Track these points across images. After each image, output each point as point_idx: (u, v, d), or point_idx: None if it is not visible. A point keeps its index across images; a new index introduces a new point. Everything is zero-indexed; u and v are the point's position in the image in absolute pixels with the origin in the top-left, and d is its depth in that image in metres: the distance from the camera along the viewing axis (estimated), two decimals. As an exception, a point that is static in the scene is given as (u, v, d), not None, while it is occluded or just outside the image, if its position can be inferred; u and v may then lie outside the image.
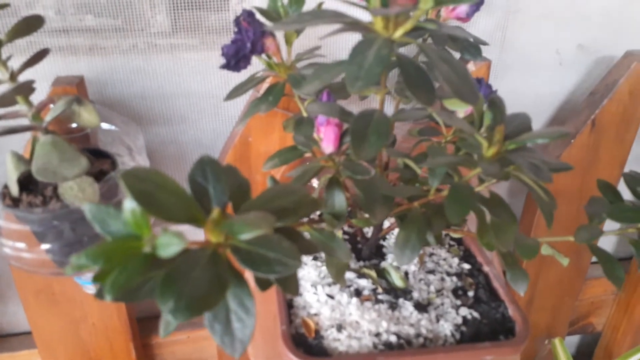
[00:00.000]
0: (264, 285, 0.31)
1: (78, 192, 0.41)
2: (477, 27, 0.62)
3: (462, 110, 0.38)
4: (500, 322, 0.46)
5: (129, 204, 0.24)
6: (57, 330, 0.62)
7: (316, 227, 0.38)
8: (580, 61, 0.67)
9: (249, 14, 0.41)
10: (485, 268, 0.51)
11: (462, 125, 0.33)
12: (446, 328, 0.45)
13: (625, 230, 0.43)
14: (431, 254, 0.53)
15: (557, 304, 0.78)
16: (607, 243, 0.86)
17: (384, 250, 0.53)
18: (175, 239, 0.24)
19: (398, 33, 0.29)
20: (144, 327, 0.71)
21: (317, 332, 0.43)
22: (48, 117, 0.41)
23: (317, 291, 0.47)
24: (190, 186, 0.29)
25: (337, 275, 0.42)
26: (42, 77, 0.53)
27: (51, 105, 0.42)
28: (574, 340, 0.96)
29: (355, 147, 0.31)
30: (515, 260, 0.43)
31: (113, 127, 0.49)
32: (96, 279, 0.24)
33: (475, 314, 0.46)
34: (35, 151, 0.40)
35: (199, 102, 0.60)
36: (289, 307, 0.46)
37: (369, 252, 0.51)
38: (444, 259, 0.52)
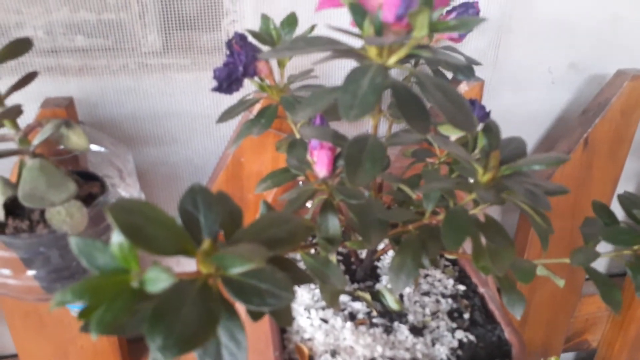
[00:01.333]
0: (256, 316, 0.30)
1: (66, 217, 0.40)
2: (470, 46, 0.62)
3: (455, 134, 0.37)
4: (497, 345, 0.45)
5: (117, 238, 0.23)
6: (44, 353, 0.60)
7: (309, 253, 0.37)
8: (572, 79, 0.67)
9: (241, 37, 0.41)
10: (481, 289, 0.51)
11: (457, 151, 0.32)
12: (442, 352, 0.44)
13: (621, 252, 0.43)
14: (426, 275, 0.52)
15: (552, 320, 0.77)
16: (598, 262, 0.86)
17: (379, 271, 0.52)
18: (163, 273, 0.23)
19: (392, 60, 0.29)
20: (134, 349, 0.69)
21: (311, 358, 0.42)
22: (35, 141, 0.40)
23: (311, 315, 0.46)
24: (181, 216, 0.28)
25: (331, 300, 0.41)
26: (32, 98, 0.52)
27: (39, 129, 0.41)
28: (569, 357, 0.96)
29: (350, 173, 0.30)
30: (511, 283, 0.42)
31: (102, 149, 0.48)
32: (82, 315, 0.23)
33: (472, 337, 0.45)
34: (22, 176, 0.39)
35: (190, 123, 0.59)
36: (282, 331, 0.45)
37: (364, 274, 0.50)
38: (439, 280, 0.52)
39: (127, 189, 0.47)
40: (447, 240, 0.32)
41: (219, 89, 0.42)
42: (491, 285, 0.53)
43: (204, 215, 0.28)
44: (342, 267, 0.52)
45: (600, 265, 0.86)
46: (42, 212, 0.42)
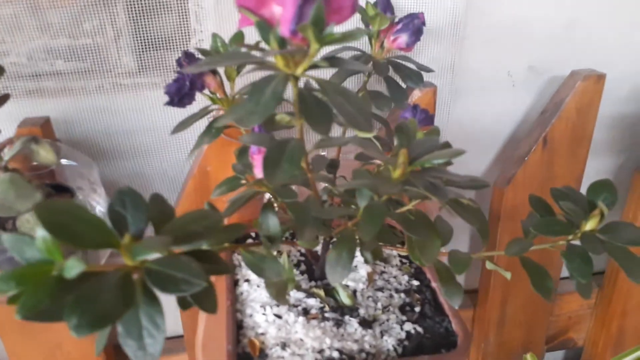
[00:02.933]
0: (184, 305, 0.33)
1: (34, 224, 0.44)
2: (427, 54, 0.65)
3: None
4: (444, 336, 0.47)
5: (40, 233, 0.27)
6: (33, 357, 0.64)
7: (248, 249, 0.40)
8: (531, 82, 0.69)
9: (186, 55, 0.44)
10: (434, 284, 0.53)
11: (373, 151, 0.35)
12: (389, 343, 0.46)
13: (556, 243, 0.45)
14: (382, 272, 0.55)
15: (530, 319, 0.78)
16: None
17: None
18: (77, 262, 0.26)
19: (299, 70, 0.32)
20: (121, 354, 0.73)
21: (262, 350, 0.45)
22: (6, 156, 0.44)
23: (266, 312, 0.49)
24: (109, 215, 0.31)
25: (277, 295, 0.44)
26: (12, 119, 0.57)
27: (10, 146, 0.45)
28: (558, 356, 0.96)
29: (268, 173, 0.34)
30: (450, 274, 0.45)
31: (73, 163, 0.52)
32: (10, 301, 0.26)
33: (419, 329, 0.48)
34: (-7, 188, 0.43)
35: (163, 136, 0.63)
36: (239, 327, 0.48)
37: (320, 272, 0.53)
38: (395, 277, 0.54)
39: (96, 199, 0.51)
40: (362, 231, 0.35)
41: (171, 102, 0.46)
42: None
43: (131, 214, 0.32)
44: (304, 267, 0.55)
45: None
46: (14, 221, 0.46)
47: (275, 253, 0.47)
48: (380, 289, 0.52)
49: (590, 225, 0.43)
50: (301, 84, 0.34)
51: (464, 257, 0.44)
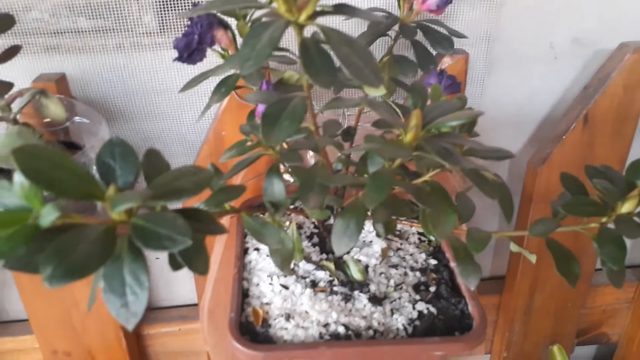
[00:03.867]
0: (174, 265, 0.32)
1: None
2: (462, 20, 0.61)
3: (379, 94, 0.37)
4: (459, 318, 0.45)
5: (17, 178, 0.25)
6: (51, 316, 0.65)
7: (250, 214, 0.38)
8: (576, 55, 0.64)
9: (194, 5, 0.42)
10: (452, 264, 0.50)
11: (382, 111, 0.32)
12: (399, 322, 0.44)
13: (587, 225, 0.41)
14: (398, 249, 0.52)
15: (560, 310, 0.74)
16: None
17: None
18: (53, 209, 0.25)
19: (302, 17, 0.29)
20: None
21: (265, 320, 0.43)
22: (15, 108, 0.44)
23: (273, 282, 0.47)
24: (97, 165, 0.30)
25: (282, 264, 0.42)
26: (29, 74, 0.56)
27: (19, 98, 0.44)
28: (589, 351, 0.91)
29: (266, 131, 0.31)
30: (467, 253, 0.41)
31: (86, 120, 0.52)
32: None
33: (433, 310, 0.45)
34: (1, 140, 0.43)
35: (181, 99, 0.62)
36: (245, 296, 0.46)
37: (332, 245, 0.51)
38: (411, 255, 0.51)
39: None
40: (367, 199, 0.32)
41: (180, 58, 0.44)
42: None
43: (120, 166, 0.30)
44: (317, 239, 0.53)
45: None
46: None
47: (287, 224, 0.45)
48: (395, 266, 0.50)
49: (627, 207, 0.39)
50: (309, 34, 0.31)
51: (483, 235, 0.41)
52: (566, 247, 0.40)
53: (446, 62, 0.56)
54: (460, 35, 0.55)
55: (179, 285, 0.74)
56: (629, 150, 0.63)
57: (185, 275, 0.73)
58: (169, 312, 0.74)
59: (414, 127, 0.32)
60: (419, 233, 0.55)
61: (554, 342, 0.76)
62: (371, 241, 0.52)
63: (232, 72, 0.47)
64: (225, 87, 0.45)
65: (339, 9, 0.29)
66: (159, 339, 0.73)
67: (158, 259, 0.74)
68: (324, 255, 0.50)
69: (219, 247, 0.52)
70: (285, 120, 0.32)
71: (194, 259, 0.30)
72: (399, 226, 0.55)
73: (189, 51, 0.43)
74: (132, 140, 0.64)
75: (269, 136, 0.31)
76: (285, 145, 0.43)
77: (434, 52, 0.57)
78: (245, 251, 0.52)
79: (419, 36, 0.52)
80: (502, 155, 0.38)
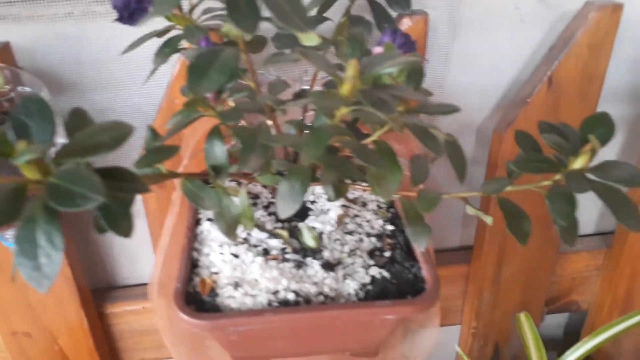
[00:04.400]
0: (99, 228, 0.30)
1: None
2: (424, -18, 0.59)
3: (312, 42, 0.35)
4: (412, 282, 0.44)
5: None
6: (6, 295, 0.63)
7: (189, 178, 0.36)
8: (542, 16, 0.62)
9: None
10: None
11: (318, 61, 0.31)
12: (351, 287, 0.43)
13: (540, 183, 0.40)
14: (355, 216, 0.51)
15: (528, 278, 0.73)
16: (587, 219, 0.80)
17: (310, 213, 0.51)
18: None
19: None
20: (99, 297, 0.72)
21: (212, 290, 0.42)
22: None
23: (223, 251, 0.45)
24: (12, 123, 0.28)
25: (227, 230, 0.40)
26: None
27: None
28: (562, 319, 0.91)
29: (193, 82, 0.30)
30: (418, 214, 0.40)
31: (29, 89, 0.49)
32: None
33: (386, 274, 0.44)
34: None
35: (135, 68, 0.59)
36: (195, 266, 0.45)
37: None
38: (368, 221, 0.50)
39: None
40: (305, 153, 0.31)
41: (121, 19, 0.42)
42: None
43: (36, 123, 0.28)
44: (274, 208, 0.51)
45: (588, 224, 0.81)
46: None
47: (243, 192, 0.43)
48: (351, 233, 0.48)
49: (579, 162, 0.38)
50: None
51: (433, 195, 0.40)
52: (517, 205, 0.39)
53: (406, 24, 0.54)
54: (419, -5, 0.54)
55: (142, 263, 0.73)
56: (594, 111, 0.62)
57: (149, 252, 0.71)
58: (133, 290, 0.72)
59: (350, 77, 0.30)
60: (378, 201, 0.53)
61: (523, 311, 0.76)
62: (329, 209, 0.51)
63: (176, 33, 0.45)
64: (168, 48, 0.43)
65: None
66: (123, 318, 0.72)
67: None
68: (279, 224, 0.49)
69: (170, 219, 0.50)
70: (214, 71, 0.30)
71: (116, 221, 0.29)
72: (357, 193, 0.54)
73: (129, 11, 0.41)
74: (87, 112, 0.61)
75: (196, 87, 0.29)
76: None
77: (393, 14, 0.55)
78: (197, 222, 0.50)
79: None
80: (448, 109, 0.37)
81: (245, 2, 0.27)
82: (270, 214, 0.51)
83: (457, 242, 0.79)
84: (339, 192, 0.44)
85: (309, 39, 0.31)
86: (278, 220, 0.50)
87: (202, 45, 0.38)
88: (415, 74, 0.37)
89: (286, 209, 0.36)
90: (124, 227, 0.29)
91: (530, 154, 0.39)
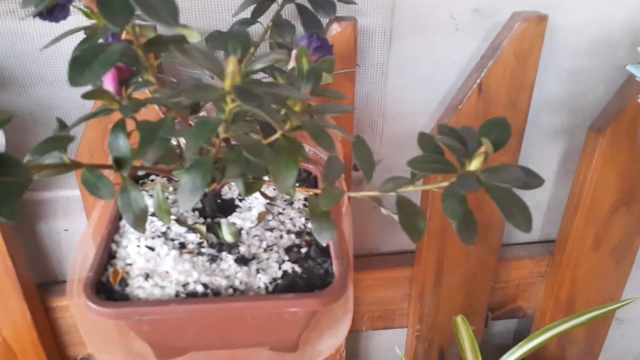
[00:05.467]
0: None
1: None
2: (361, -12, 0.60)
3: (196, 39, 0.36)
4: (322, 277, 0.45)
5: None
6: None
7: (89, 168, 0.38)
8: (477, 26, 0.64)
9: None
10: (329, 227, 0.50)
11: (200, 59, 0.32)
12: (262, 281, 0.44)
13: (440, 183, 0.41)
14: (279, 214, 0.52)
15: (469, 283, 0.75)
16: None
17: (238, 210, 0.52)
18: None
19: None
20: (46, 290, 0.72)
21: (123, 280, 0.43)
22: None
23: (140, 243, 0.46)
24: None
25: (135, 222, 0.41)
26: None
27: None
28: (511, 325, 0.93)
29: (74, 74, 0.31)
30: (323, 210, 0.42)
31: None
32: None
33: (298, 269, 0.45)
34: None
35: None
36: (112, 257, 0.46)
37: (210, 209, 0.51)
38: (291, 219, 0.51)
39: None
40: (187, 144, 0.32)
41: (40, 15, 0.43)
42: (345, 224, 0.52)
43: None
44: (201, 204, 0.53)
45: (532, 233, 0.83)
46: None
47: (157, 186, 0.44)
48: (271, 229, 0.50)
49: (474, 165, 0.39)
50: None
51: (336, 192, 0.41)
52: (414, 203, 0.40)
53: (334, 29, 0.56)
54: (349, 1, 0.55)
55: (90, 257, 0.73)
56: (525, 120, 0.64)
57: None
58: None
59: (230, 73, 0.32)
60: (305, 199, 0.55)
61: (466, 315, 0.77)
62: (253, 207, 0.52)
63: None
64: (87, 44, 0.44)
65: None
66: (69, 312, 0.72)
67: (67, 231, 0.73)
68: (201, 220, 0.50)
69: (97, 211, 0.51)
70: (97, 64, 0.31)
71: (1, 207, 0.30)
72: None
73: (48, 7, 0.43)
74: (30, 106, 0.63)
75: (77, 79, 0.30)
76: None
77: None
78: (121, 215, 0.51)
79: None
80: (343, 110, 0.38)
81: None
82: (194, 210, 0.52)
83: (405, 245, 0.80)
84: (250, 188, 0.45)
85: (192, 35, 0.33)
86: (202, 215, 0.51)
87: (109, 41, 0.39)
88: (313, 75, 0.38)
89: (186, 202, 0.37)
90: (7, 211, 0.30)
91: (426, 155, 0.40)
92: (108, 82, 0.38)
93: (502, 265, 0.79)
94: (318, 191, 0.43)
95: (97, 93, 0.37)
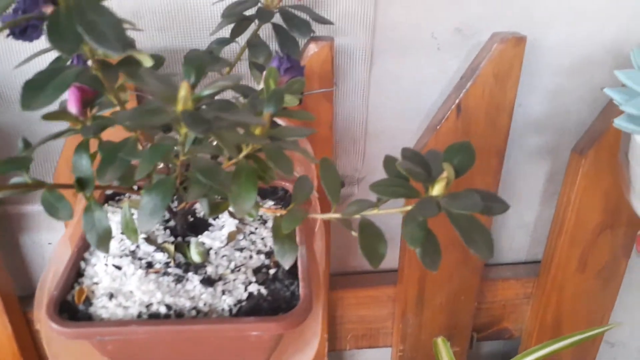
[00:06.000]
0: None
1: None
2: (338, 8, 0.61)
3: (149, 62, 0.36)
4: (288, 299, 0.44)
5: None
6: None
7: (49, 188, 0.38)
8: (458, 46, 0.64)
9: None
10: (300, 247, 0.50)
11: (150, 84, 0.32)
12: (227, 303, 0.43)
13: (404, 207, 0.41)
14: (251, 233, 0.52)
15: (452, 303, 0.74)
16: (518, 248, 0.81)
17: (211, 228, 0.52)
18: None
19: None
20: (27, 303, 0.72)
21: (87, 299, 0.43)
22: None
23: (108, 262, 0.47)
24: None
25: (98, 242, 0.41)
26: None
27: None
28: (498, 346, 0.91)
29: (27, 97, 0.31)
30: (287, 232, 0.41)
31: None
32: None
33: (264, 291, 0.45)
34: None
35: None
36: (80, 275, 0.46)
37: (181, 228, 0.51)
38: (262, 238, 0.51)
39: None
40: (140, 166, 0.32)
41: (13, 34, 0.44)
42: (318, 244, 0.52)
43: None
44: (173, 223, 0.53)
45: (517, 252, 0.82)
46: None
47: (125, 205, 0.44)
48: (241, 249, 0.49)
49: (436, 190, 0.39)
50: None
51: (298, 214, 0.41)
52: (377, 226, 0.40)
53: (312, 49, 0.56)
54: (325, 21, 0.56)
55: (72, 272, 0.74)
56: (505, 141, 0.63)
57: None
58: (60, 298, 0.73)
59: (182, 98, 0.32)
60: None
61: (450, 335, 0.76)
62: (225, 225, 0.52)
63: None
64: (57, 65, 0.45)
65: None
66: (49, 326, 0.72)
67: (50, 244, 0.74)
68: (172, 238, 0.50)
69: (70, 228, 0.52)
70: (51, 88, 0.31)
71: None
72: (260, 211, 0.55)
73: (20, 27, 0.43)
74: (17, 124, 0.63)
75: (30, 102, 0.31)
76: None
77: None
78: (95, 233, 0.51)
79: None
80: (303, 133, 0.38)
81: (66, 24, 0.29)
82: (166, 228, 0.52)
83: (389, 263, 0.79)
84: (215, 208, 0.45)
85: (145, 60, 0.33)
86: (173, 233, 0.51)
87: (74, 63, 0.40)
88: (275, 98, 0.38)
89: (145, 224, 0.37)
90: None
91: (389, 179, 0.40)
92: (72, 104, 0.38)
93: (487, 285, 0.78)
94: (284, 211, 0.43)
95: (58, 114, 0.37)
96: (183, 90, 0.32)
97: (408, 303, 0.73)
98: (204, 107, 0.33)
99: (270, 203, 0.55)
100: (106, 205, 0.54)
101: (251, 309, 0.43)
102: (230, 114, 0.33)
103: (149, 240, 0.49)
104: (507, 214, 0.81)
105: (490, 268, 0.79)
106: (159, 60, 0.45)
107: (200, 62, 0.34)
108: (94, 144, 0.41)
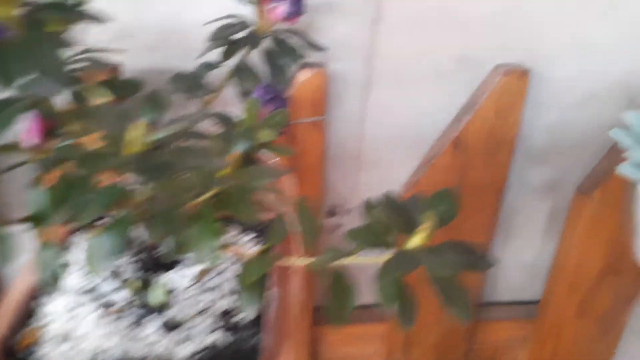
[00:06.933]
0: None
1: None
2: (333, 35, 0.58)
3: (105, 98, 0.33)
4: (251, 350, 0.41)
5: None
6: None
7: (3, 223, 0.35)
8: (463, 75, 0.61)
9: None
10: (272, 291, 0.46)
11: (101, 120, 0.29)
12: (187, 350, 0.40)
13: (378, 257, 0.38)
14: (225, 269, 0.48)
15: (441, 343, 0.70)
16: (512, 287, 0.77)
17: (182, 264, 0.49)
18: None
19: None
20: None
21: (34, 342, 0.40)
22: None
23: (64, 300, 0.43)
24: None
25: (46, 283, 0.38)
26: None
27: None
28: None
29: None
30: (254, 280, 0.38)
31: None
32: None
33: (229, 338, 0.41)
34: None
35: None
36: (31, 316, 0.43)
37: (151, 264, 0.47)
38: (237, 276, 0.48)
39: None
40: (87, 212, 0.30)
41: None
42: (294, 285, 0.48)
43: None
44: (145, 255, 0.49)
45: (510, 291, 0.78)
46: None
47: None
48: (212, 289, 0.46)
49: (413, 241, 0.35)
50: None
51: (266, 260, 0.38)
52: (348, 281, 0.37)
53: (305, 76, 0.53)
54: (319, 48, 0.53)
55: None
56: (505, 177, 0.60)
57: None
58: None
59: (133, 139, 0.29)
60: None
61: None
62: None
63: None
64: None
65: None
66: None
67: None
68: (139, 274, 0.47)
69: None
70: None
71: None
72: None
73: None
74: None
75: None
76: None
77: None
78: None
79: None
80: (274, 174, 0.35)
81: (13, 59, 0.26)
82: (137, 261, 0.49)
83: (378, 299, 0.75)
84: (179, 249, 0.42)
85: (101, 93, 0.30)
86: (143, 267, 0.48)
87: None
88: (243, 138, 0.35)
89: (98, 266, 0.34)
90: None
91: (365, 226, 0.37)
92: (32, 134, 0.36)
93: (480, 326, 0.74)
94: (252, 254, 0.40)
95: (6, 147, 0.34)
96: (133, 132, 0.29)
97: (396, 342, 0.69)
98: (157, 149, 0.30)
99: (246, 238, 0.52)
100: (75, 234, 0.51)
101: (211, 359, 0.40)
102: (187, 156, 0.30)
103: (115, 274, 0.46)
104: (505, 250, 0.77)
105: (483, 307, 0.75)
106: (134, 85, 0.42)
107: (160, 99, 0.31)
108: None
